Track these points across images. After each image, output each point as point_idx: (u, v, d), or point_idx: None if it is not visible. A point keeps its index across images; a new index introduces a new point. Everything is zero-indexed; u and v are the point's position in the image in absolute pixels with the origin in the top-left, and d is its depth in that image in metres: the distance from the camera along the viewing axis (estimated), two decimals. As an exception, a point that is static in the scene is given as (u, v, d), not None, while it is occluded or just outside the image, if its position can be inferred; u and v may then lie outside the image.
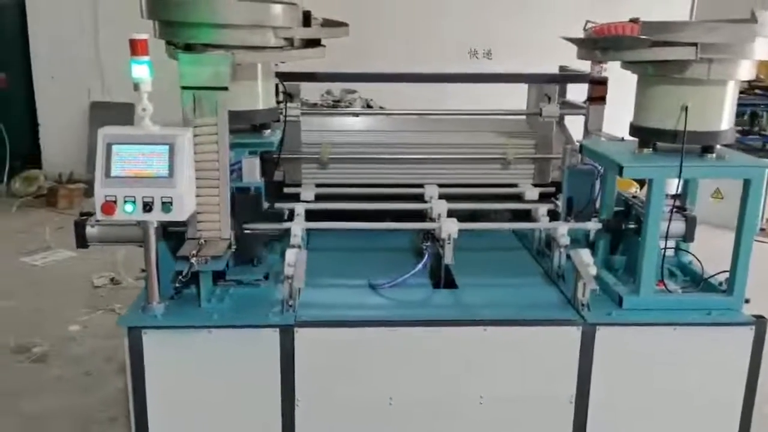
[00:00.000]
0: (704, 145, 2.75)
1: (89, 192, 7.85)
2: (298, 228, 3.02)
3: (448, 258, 2.99)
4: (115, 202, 2.43)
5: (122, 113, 8.22)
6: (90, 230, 2.78)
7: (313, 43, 3.03)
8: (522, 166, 3.75)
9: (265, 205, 3.08)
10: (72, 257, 6.20)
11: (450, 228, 2.98)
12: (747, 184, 2.69)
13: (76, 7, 8.76)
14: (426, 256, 3.09)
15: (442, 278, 3.12)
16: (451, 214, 3.18)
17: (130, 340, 2.60)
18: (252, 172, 3.02)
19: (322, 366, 2.67)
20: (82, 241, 2.80)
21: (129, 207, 2.44)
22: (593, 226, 3.06)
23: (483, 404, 2.72)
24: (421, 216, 3.32)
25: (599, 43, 2.78)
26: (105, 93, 8.94)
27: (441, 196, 3.40)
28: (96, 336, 4.79)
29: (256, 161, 3.04)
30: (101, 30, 8.73)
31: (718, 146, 2.79)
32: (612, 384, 2.72)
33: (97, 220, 2.67)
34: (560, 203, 3.36)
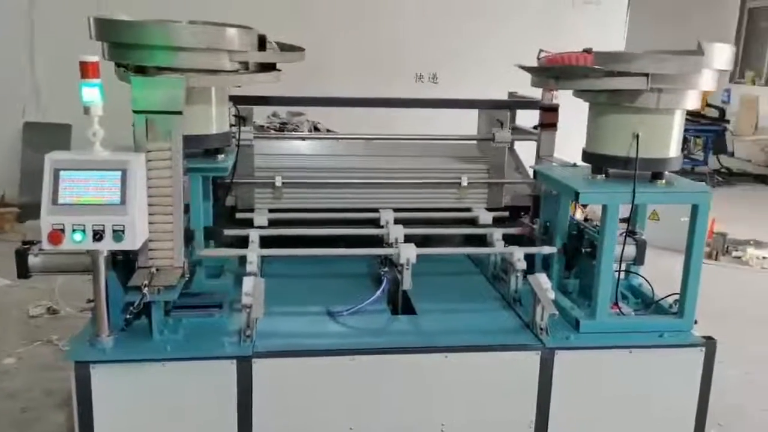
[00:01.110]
0: (654, 171, 2.84)
1: (22, 216, 7.53)
2: (253, 255, 2.96)
3: (407, 283, 2.98)
4: (62, 230, 2.32)
5: (58, 134, 7.91)
6: (33, 259, 2.65)
7: (268, 67, 2.99)
8: (475, 190, 3.78)
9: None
10: (6, 285, 5.87)
11: (408, 253, 2.97)
12: (695, 209, 2.78)
13: (9, 23, 8.40)
14: (384, 282, 3.07)
15: (399, 304, 3.10)
16: (407, 238, 3.18)
17: (77, 376, 2.46)
18: None
19: (281, 397, 2.60)
20: (23, 271, 2.66)
21: (78, 236, 2.32)
22: (549, 250, 3.10)
23: (444, 432, 2.70)
24: (378, 241, 3.30)
25: (553, 72, 2.84)
26: (40, 113, 8.59)
27: (395, 221, 3.39)
28: (32, 369, 4.53)
29: None
30: (37, 47, 8.41)
31: (666, 172, 2.88)
32: (570, 407, 2.74)
33: (41, 249, 2.54)
34: (536, 227, 3.41)
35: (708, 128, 11.84)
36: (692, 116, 12.13)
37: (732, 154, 12.86)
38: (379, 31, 8.56)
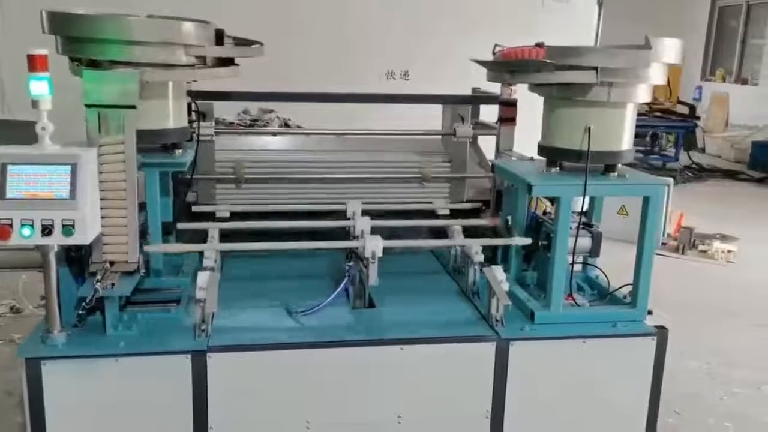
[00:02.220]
0: (607, 164, 2.88)
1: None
2: (211, 250, 2.94)
3: (372, 279, 2.84)
4: (10, 225, 2.30)
5: (24, 132, 7.80)
6: (-18, 256, 2.62)
7: (227, 61, 2.98)
8: (438, 185, 3.80)
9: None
10: (-33, 285, 5.79)
11: (374, 245, 2.83)
12: (646, 200, 2.83)
13: (-27, 19, 8.28)
14: (346, 278, 2.98)
15: (366, 301, 3.02)
16: (374, 231, 3.12)
17: (28, 372, 2.45)
18: None
19: (237, 391, 2.60)
20: (-26, 268, 2.63)
21: (26, 230, 2.30)
22: (521, 241, 3.09)
23: (401, 423, 2.72)
24: (344, 235, 3.21)
25: (507, 66, 2.87)
26: (5, 110, 8.46)
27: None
28: (-7, 368, 4.47)
29: None
30: (2, 42, 8.28)
31: (619, 165, 2.92)
32: (526, 397, 2.78)
33: (-9, 245, 2.51)
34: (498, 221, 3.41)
35: (679, 125, 12.01)
36: (664, 113, 12.32)
37: (703, 150, 13.07)
38: (347, 28, 8.55)
